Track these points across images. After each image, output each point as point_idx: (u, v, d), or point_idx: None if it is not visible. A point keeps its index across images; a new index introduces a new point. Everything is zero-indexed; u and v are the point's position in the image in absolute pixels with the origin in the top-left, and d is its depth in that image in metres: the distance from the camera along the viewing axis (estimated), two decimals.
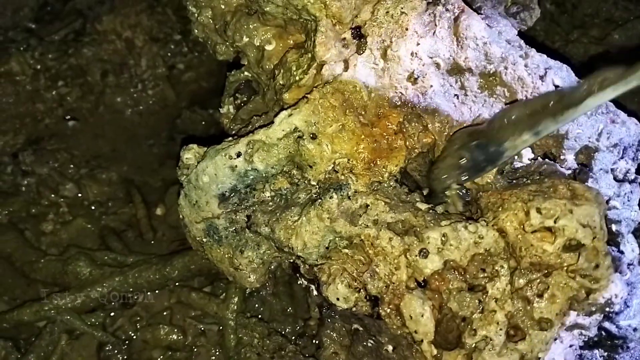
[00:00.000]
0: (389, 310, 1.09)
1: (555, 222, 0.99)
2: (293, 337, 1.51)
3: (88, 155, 1.99)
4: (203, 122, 2.08)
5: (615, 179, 1.18)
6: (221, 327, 1.56)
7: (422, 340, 1.06)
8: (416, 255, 1.05)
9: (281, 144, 1.11)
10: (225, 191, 1.16)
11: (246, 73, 1.33)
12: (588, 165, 1.17)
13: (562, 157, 1.17)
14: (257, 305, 1.56)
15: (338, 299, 1.13)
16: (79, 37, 2.19)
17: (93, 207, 1.87)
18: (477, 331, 1.03)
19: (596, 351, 1.33)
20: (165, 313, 1.62)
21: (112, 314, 1.62)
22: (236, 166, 1.13)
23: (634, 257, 1.24)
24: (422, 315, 1.05)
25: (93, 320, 1.61)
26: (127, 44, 2.18)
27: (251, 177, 1.15)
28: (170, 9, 2.23)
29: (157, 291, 1.64)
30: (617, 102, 1.56)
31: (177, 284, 1.64)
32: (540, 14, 2.27)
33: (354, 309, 1.14)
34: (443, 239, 1.05)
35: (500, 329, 1.02)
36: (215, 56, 1.38)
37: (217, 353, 1.55)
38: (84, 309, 1.62)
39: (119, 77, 2.13)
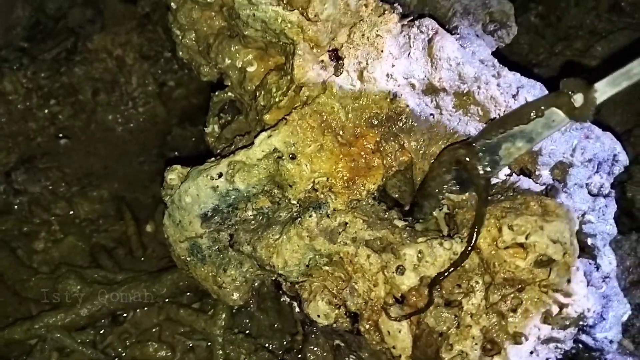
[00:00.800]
0: (367, 326, 1.12)
1: (526, 238, 1.02)
2: (280, 353, 1.53)
3: (79, 173, 2.02)
4: (193, 139, 2.11)
5: (590, 193, 1.20)
6: (209, 343, 1.58)
7: (400, 356, 1.08)
8: (393, 272, 1.08)
9: (261, 164, 1.14)
10: (208, 211, 1.18)
11: (229, 93, 1.37)
12: (563, 180, 1.20)
13: (537, 173, 1.19)
14: (245, 321, 1.58)
15: (319, 316, 1.15)
16: (70, 56, 2.23)
17: (84, 225, 1.89)
18: (454, 346, 1.05)
19: None
20: (154, 330, 1.64)
21: (102, 331, 1.65)
22: (218, 186, 1.16)
23: (611, 270, 1.26)
24: (400, 331, 1.07)
25: (83, 337, 1.63)
26: (118, 62, 2.21)
27: (233, 197, 1.18)
28: (160, 27, 2.26)
29: (146, 308, 1.66)
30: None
31: (166, 300, 1.66)
32: (525, 27, 2.31)
33: (334, 325, 1.16)
34: (419, 255, 1.07)
35: (476, 344, 1.04)
36: (199, 77, 1.41)
37: None
38: (74, 327, 1.63)
39: (110, 95, 2.16)
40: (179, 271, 1.61)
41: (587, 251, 1.24)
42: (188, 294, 1.67)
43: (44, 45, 2.31)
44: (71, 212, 1.92)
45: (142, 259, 1.82)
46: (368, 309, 1.10)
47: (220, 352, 1.56)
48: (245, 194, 1.17)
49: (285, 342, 1.54)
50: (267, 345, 1.54)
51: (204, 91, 2.21)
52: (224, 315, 1.55)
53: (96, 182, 2.00)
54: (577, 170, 1.19)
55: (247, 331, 1.57)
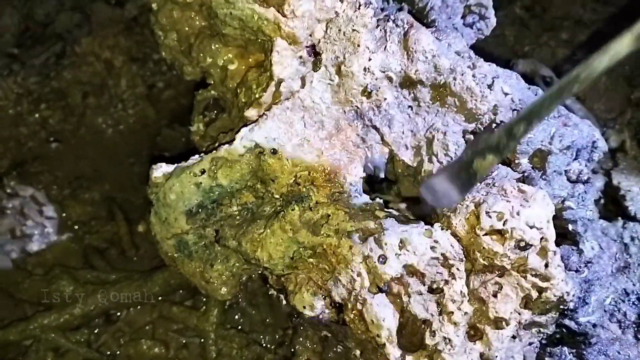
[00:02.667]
0: (352, 316, 1.13)
1: (504, 224, 1.04)
2: (272, 347, 1.55)
3: (71, 176, 2.03)
4: (183, 139, 2.12)
5: (569, 180, 1.22)
6: (202, 340, 1.60)
7: (384, 344, 1.09)
8: (375, 262, 1.09)
9: (243, 159, 1.16)
10: (192, 207, 1.20)
11: (212, 92, 1.38)
12: (542, 167, 1.22)
13: (516, 162, 1.21)
14: (237, 317, 1.60)
15: (304, 307, 1.17)
16: (59, 61, 2.24)
17: (77, 227, 1.91)
18: (437, 332, 1.07)
19: (565, 348, 1.37)
20: (147, 328, 1.66)
21: (96, 330, 1.66)
22: (201, 183, 1.17)
23: (593, 255, 1.28)
24: (384, 319, 1.09)
25: (78, 337, 1.65)
26: (107, 65, 2.22)
27: (217, 192, 1.19)
28: (147, 29, 2.27)
29: (139, 307, 1.67)
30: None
31: (159, 298, 1.68)
32: (510, 19, 2.32)
33: (320, 316, 1.18)
34: (400, 244, 1.09)
35: (459, 330, 1.06)
36: (183, 77, 1.43)
37: None
38: (69, 327, 1.65)
39: (100, 98, 2.18)
40: (170, 270, 1.63)
41: (569, 237, 1.26)
42: (180, 291, 1.69)
43: (33, 50, 2.32)
44: (64, 215, 1.93)
45: (135, 258, 1.83)
46: (352, 299, 1.12)
47: (213, 347, 1.58)
48: (228, 190, 1.19)
49: (277, 337, 1.55)
50: (259, 340, 1.56)
51: (192, 92, 2.23)
52: (215, 312, 1.57)
53: (87, 184, 2.01)
54: (555, 157, 1.21)
55: (239, 327, 1.59)
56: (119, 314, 1.68)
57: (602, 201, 1.66)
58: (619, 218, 1.57)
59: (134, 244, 1.84)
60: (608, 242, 1.51)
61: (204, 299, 1.62)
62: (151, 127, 2.15)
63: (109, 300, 1.66)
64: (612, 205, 1.69)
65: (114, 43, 2.26)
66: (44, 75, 2.20)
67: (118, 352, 1.62)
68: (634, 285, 1.46)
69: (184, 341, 1.62)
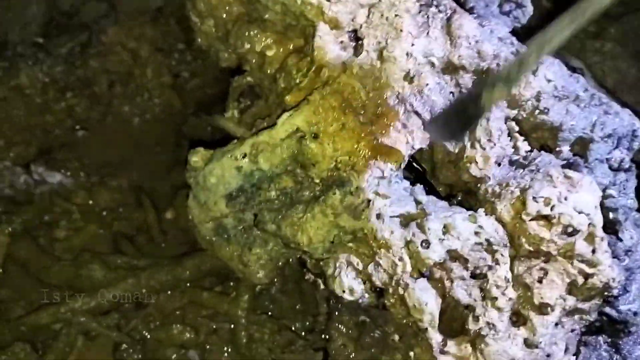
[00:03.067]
0: (393, 301, 1.13)
1: (551, 209, 1.03)
2: (303, 333, 1.55)
3: (98, 164, 2.04)
4: (209, 128, 2.13)
5: (610, 168, 1.21)
6: (232, 325, 1.60)
7: (426, 328, 1.09)
8: (418, 247, 1.09)
9: (284, 144, 1.16)
10: (232, 191, 1.20)
11: (249, 78, 1.38)
12: (583, 155, 1.21)
13: (557, 149, 1.21)
14: (267, 303, 1.60)
15: (344, 291, 1.17)
16: (85, 50, 2.25)
17: (104, 214, 1.91)
18: (480, 318, 1.07)
19: (600, 337, 1.36)
20: (177, 313, 1.66)
21: (126, 315, 1.67)
22: (242, 167, 1.18)
23: (633, 244, 1.27)
24: (427, 304, 1.09)
25: (108, 321, 1.66)
26: (133, 54, 2.23)
27: (257, 177, 1.20)
28: (173, 19, 2.28)
29: (169, 292, 1.68)
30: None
31: (188, 284, 1.69)
32: (537, 10, 2.31)
33: (360, 301, 1.18)
34: (444, 229, 1.09)
35: (503, 315, 1.06)
36: (218, 63, 1.43)
37: (229, 350, 1.59)
38: (99, 311, 1.66)
39: (126, 87, 2.18)
40: (201, 255, 1.64)
41: (609, 225, 1.25)
42: (210, 277, 1.69)
43: (59, 40, 2.33)
44: (91, 202, 1.94)
45: (163, 245, 1.84)
46: (394, 284, 1.12)
47: (244, 333, 1.58)
48: (269, 174, 1.19)
49: (307, 323, 1.56)
50: (290, 326, 1.56)
51: (218, 81, 2.22)
52: (246, 297, 1.57)
53: (114, 172, 2.02)
54: (597, 145, 1.21)
55: (270, 313, 1.59)
56: (149, 299, 1.68)
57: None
58: None
59: (162, 231, 1.85)
60: None
61: (234, 285, 1.63)
62: (177, 116, 2.15)
63: (140, 285, 1.67)
64: None
65: (139, 33, 2.26)
66: (70, 64, 2.20)
67: (148, 337, 1.63)
68: None
69: (214, 326, 1.62)
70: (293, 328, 1.56)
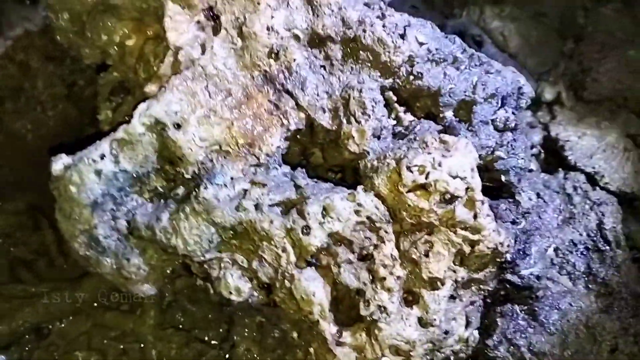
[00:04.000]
0: (282, 295, 1.05)
1: (426, 177, 0.97)
2: (217, 342, 1.45)
3: None
4: None
5: (496, 129, 1.16)
6: (142, 344, 1.49)
7: (318, 320, 1.01)
8: (299, 234, 1.01)
9: (145, 139, 1.06)
10: (97, 198, 1.09)
11: (115, 73, 1.27)
12: (468, 119, 1.16)
13: (441, 115, 1.15)
14: (177, 316, 1.50)
15: (231, 293, 1.08)
16: None
17: (1, 240, 1.77)
18: (371, 301, 0.99)
19: (516, 307, 1.31)
20: (82, 338, 1.54)
21: (27, 347, 1.54)
22: (102, 170, 1.07)
23: (531, 206, 1.23)
24: (314, 294, 1.01)
25: (8, 356, 1.52)
26: (21, 67, 2.08)
27: (122, 179, 1.09)
28: None
29: (71, 317, 1.56)
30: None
31: (94, 305, 1.56)
32: None
33: (249, 300, 1.09)
34: (323, 212, 1.01)
35: (393, 296, 0.99)
36: (83, 60, 1.31)
37: None
38: None
39: (17, 102, 2.03)
40: (101, 274, 1.52)
41: (504, 190, 1.20)
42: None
43: None
44: None
45: (65, 267, 1.70)
46: (280, 277, 1.04)
47: (154, 351, 1.47)
48: (134, 175, 1.09)
49: (221, 331, 1.46)
50: (201, 336, 1.46)
51: None
52: (152, 313, 1.47)
53: (10, 194, 1.87)
54: (480, 107, 1.15)
55: (180, 325, 1.49)
56: (50, 326, 1.55)
57: (542, 155, 1.63)
58: (560, 169, 1.53)
59: (62, 252, 1.71)
60: (551, 194, 1.47)
61: (140, 301, 1.52)
62: (74, 127, 2.02)
63: (38, 314, 1.54)
64: (552, 158, 1.65)
65: (28, 43, 2.12)
66: None
67: None
68: (580, 235, 1.42)
69: (122, 347, 1.51)
70: (205, 339, 1.46)
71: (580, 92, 1.80)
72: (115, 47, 1.20)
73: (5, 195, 1.86)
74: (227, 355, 1.41)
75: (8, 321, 1.54)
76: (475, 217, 0.97)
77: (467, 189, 0.96)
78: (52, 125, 2.02)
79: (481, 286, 1.06)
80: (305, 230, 1.01)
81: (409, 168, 0.97)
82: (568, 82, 1.81)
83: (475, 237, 0.97)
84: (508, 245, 1.00)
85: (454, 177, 0.96)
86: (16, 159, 1.96)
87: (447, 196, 0.96)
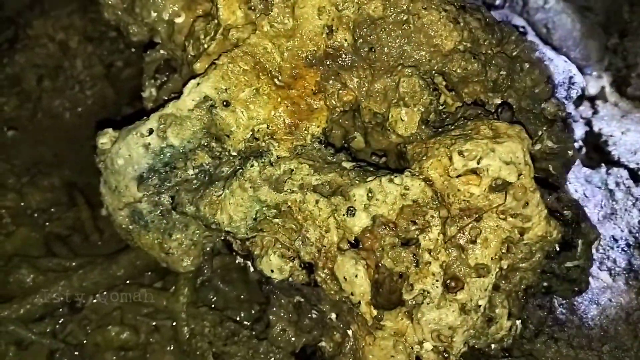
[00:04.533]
0: (324, 276, 1.05)
1: (478, 162, 0.95)
2: (249, 323, 1.46)
3: (29, 163, 1.92)
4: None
5: (545, 118, 1.14)
6: (174, 321, 1.51)
7: (359, 302, 1.01)
8: (344, 215, 1.01)
9: (193, 115, 1.06)
10: (143, 172, 1.10)
11: (162, 51, 1.28)
12: (517, 106, 1.14)
13: (490, 102, 1.13)
14: (210, 295, 1.51)
15: (272, 271, 1.08)
16: (12, 45, 2.12)
17: (36, 215, 1.80)
18: (414, 286, 0.99)
19: (555, 300, 1.30)
20: (115, 313, 1.55)
21: (61, 320, 1.56)
22: (149, 144, 1.08)
23: (578, 197, 1.21)
24: (356, 276, 1.00)
25: (42, 328, 1.54)
26: (61, 46, 2.11)
27: (168, 154, 1.09)
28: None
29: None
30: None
31: (127, 282, 1.58)
32: None
33: (290, 279, 1.09)
34: (369, 194, 1.00)
35: (437, 281, 0.98)
36: (130, 38, 1.32)
37: (172, 348, 1.49)
38: (31, 318, 1.55)
39: (55, 81, 2.06)
40: (137, 250, 1.53)
41: (550, 180, 1.18)
42: (149, 273, 1.59)
43: None
44: (22, 203, 1.82)
45: (99, 243, 1.72)
46: (322, 257, 1.04)
47: (185, 328, 1.48)
48: (181, 150, 1.09)
49: (253, 312, 1.47)
50: (234, 316, 1.47)
51: None
52: (186, 291, 1.48)
53: (47, 170, 1.90)
54: (531, 94, 1.13)
55: (213, 305, 1.50)
56: (84, 301, 1.57)
57: (584, 150, 1.60)
58: (602, 165, 1.50)
59: (97, 228, 1.74)
60: (592, 189, 1.45)
61: (174, 279, 1.54)
62: (111, 107, 2.04)
63: (73, 288, 1.56)
64: (594, 153, 1.62)
65: (68, 23, 2.14)
66: None
67: (85, 341, 1.52)
68: (622, 231, 1.39)
69: (154, 324, 1.52)
70: (238, 319, 1.47)
71: (624, 88, 1.77)
72: (164, 24, 1.20)
73: (42, 172, 1.89)
74: (259, 336, 1.42)
75: (42, 293, 1.55)
76: (526, 204, 0.95)
77: (519, 175, 0.95)
78: (90, 104, 2.05)
79: (526, 275, 1.05)
80: (350, 212, 1.01)
81: (460, 153, 0.96)
82: (612, 78, 1.77)
83: (526, 225, 0.96)
84: (558, 236, 0.99)
85: (507, 164, 0.94)
86: (53, 136, 1.99)
87: (499, 182, 0.95)
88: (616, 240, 1.37)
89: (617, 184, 1.45)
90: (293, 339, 1.22)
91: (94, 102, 2.05)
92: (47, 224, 1.77)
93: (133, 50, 2.13)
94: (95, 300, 1.58)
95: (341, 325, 1.10)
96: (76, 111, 2.03)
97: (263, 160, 1.06)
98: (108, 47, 2.12)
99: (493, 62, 1.10)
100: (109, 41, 2.13)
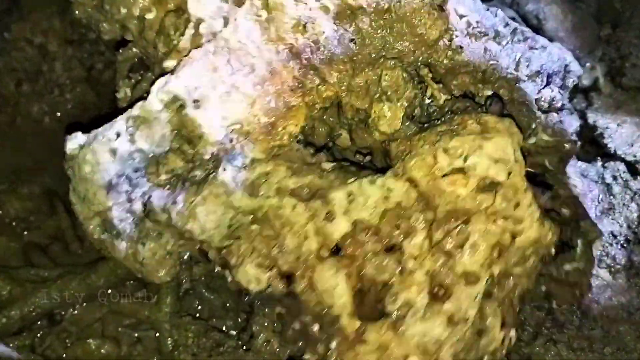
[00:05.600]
0: (303, 286, 0.98)
1: (465, 160, 0.89)
2: (234, 332, 1.40)
3: (8, 171, 1.86)
4: None
5: (540, 109, 1.07)
6: (157, 332, 1.45)
7: (339, 315, 0.94)
8: (323, 220, 0.94)
9: (162, 116, 0.99)
10: (112, 179, 1.04)
11: (134, 49, 1.21)
12: (510, 97, 1.07)
13: (480, 94, 1.06)
14: (194, 304, 1.45)
15: (249, 282, 1.02)
16: None
17: (14, 224, 1.74)
18: (398, 295, 0.92)
19: (554, 304, 1.23)
20: (96, 325, 1.50)
21: (39, 333, 1.50)
22: (117, 149, 1.01)
23: (578, 194, 1.14)
24: (336, 287, 0.93)
25: (19, 342, 1.49)
26: (40, 49, 2.05)
27: (137, 159, 1.03)
28: None
29: (85, 303, 1.51)
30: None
31: (109, 291, 1.52)
32: None
33: (268, 290, 1.03)
34: (349, 197, 0.94)
35: (422, 290, 0.91)
36: (101, 36, 1.26)
37: None
38: (9, 332, 1.49)
39: (34, 85, 2.00)
40: (117, 259, 1.47)
41: (546, 175, 1.11)
42: (130, 282, 1.53)
43: None
44: (0, 212, 1.76)
45: (80, 252, 1.66)
46: (301, 266, 0.97)
47: (169, 340, 1.42)
48: (151, 155, 1.03)
49: (240, 321, 1.41)
50: (219, 326, 1.41)
51: None
52: (168, 300, 1.42)
53: (26, 177, 1.84)
54: (524, 85, 1.06)
55: (197, 314, 1.44)
56: (63, 313, 1.51)
57: (579, 143, 1.53)
58: (598, 158, 1.44)
59: (77, 237, 1.68)
60: (589, 184, 1.37)
61: (156, 288, 1.47)
62: (92, 111, 1.98)
63: (51, 299, 1.50)
64: (589, 147, 1.56)
65: (47, 26, 2.08)
66: None
67: (64, 355, 1.46)
68: (620, 227, 1.32)
69: (137, 336, 1.46)
70: (223, 328, 1.41)
71: (619, 79, 1.71)
72: (134, 20, 1.14)
73: (21, 179, 1.83)
74: (245, 346, 1.36)
75: (20, 306, 1.50)
76: (517, 205, 0.89)
77: (509, 174, 0.88)
78: (70, 108, 1.99)
79: (520, 282, 0.98)
80: (328, 217, 0.94)
81: (446, 151, 0.89)
82: (606, 69, 1.72)
83: (518, 227, 0.89)
84: (553, 239, 0.92)
85: (496, 161, 0.87)
86: (33, 142, 1.93)
87: (487, 182, 0.88)
88: (615, 237, 1.30)
89: (614, 178, 1.38)
90: (277, 349, 1.16)
91: (74, 106, 1.99)
92: (26, 233, 1.71)
93: (114, 51, 2.08)
94: (75, 312, 1.52)
95: (324, 338, 1.03)
96: (56, 116, 1.96)
97: (237, 164, 0.99)
98: (88, 50, 2.06)
99: None
100: (89, 43, 2.07)
